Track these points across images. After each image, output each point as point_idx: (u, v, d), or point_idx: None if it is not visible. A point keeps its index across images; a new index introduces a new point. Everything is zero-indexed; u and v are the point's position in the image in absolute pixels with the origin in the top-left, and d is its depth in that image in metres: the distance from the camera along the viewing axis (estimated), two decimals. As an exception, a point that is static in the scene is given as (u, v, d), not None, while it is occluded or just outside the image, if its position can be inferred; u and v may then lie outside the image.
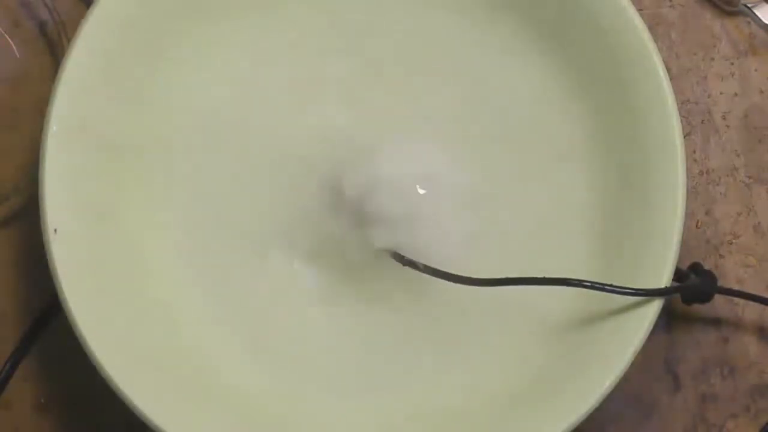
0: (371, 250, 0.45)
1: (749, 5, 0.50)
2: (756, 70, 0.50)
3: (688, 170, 0.45)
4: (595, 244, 0.45)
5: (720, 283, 0.48)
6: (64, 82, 0.42)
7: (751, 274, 0.49)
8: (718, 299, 0.48)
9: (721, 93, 0.50)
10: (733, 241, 0.49)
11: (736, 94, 0.50)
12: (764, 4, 0.50)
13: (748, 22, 0.50)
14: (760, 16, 0.50)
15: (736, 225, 0.50)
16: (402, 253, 0.44)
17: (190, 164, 0.46)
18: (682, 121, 0.44)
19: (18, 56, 0.49)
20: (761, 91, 0.50)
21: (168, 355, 0.43)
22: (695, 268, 0.47)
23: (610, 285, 0.42)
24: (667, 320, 0.49)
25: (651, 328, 0.42)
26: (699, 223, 0.50)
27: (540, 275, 0.42)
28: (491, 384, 0.44)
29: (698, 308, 0.48)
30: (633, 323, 0.43)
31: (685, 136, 0.45)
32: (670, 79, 0.44)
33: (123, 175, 0.44)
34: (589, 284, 0.42)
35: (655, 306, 0.42)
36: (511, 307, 0.45)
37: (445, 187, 0.45)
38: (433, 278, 0.44)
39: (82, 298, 0.41)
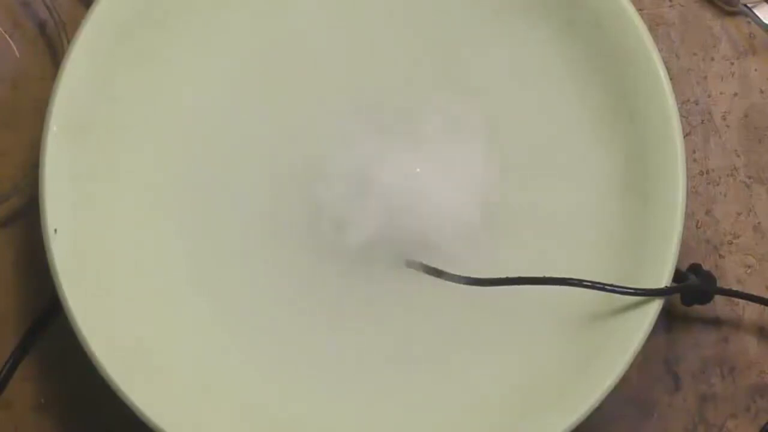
0: (374, 252, 0.45)
1: (749, 5, 0.50)
2: (756, 70, 0.50)
3: (688, 170, 0.45)
4: (595, 243, 0.45)
5: (720, 283, 0.48)
6: (64, 82, 0.42)
7: (751, 274, 0.49)
8: (718, 299, 0.48)
9: (721, 93, 0.50)
10: (733, 241, 0.49)
11: (736, 94, 0.50)
12: (764, 4, 0.50)
13: (748, 22, 0.50)
14: (760, 16, 0.50)
15: (736, 225, 0.50)
16: (402, 253, 0.44)
17: (191, 164, 0.46)
18: (682, 121, 0.44)
19: (18, 56, 0.49)
20: (761, 91, 0.50)
21: (168, 356, 0.43)
22: (695, 269, 0.47)
23: (610, 285, 0.42)
24: (667, 320, 0.49)
25: (651, 328, 0.42)
26: (699, 223, 0.50)
27: (540, 275, 0.43)
28: (491, 385, 0.44)
29: (698, 308, 0.48)
30: (633, 323, 0.43)
31: (685, 136, 0.45)
32: (670, 79, 0.44)
33: (122, 175, 0.44)
34: (589, 284, 0.42)
35: (655, 306, 0.42)
36: (510, 307, 0.45)
37: (450, 192, 0.45)
38: (434, 279, 0.44)
39: (82, 298, 0.41)
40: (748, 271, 0.49)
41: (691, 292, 0.46)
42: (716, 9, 0.51)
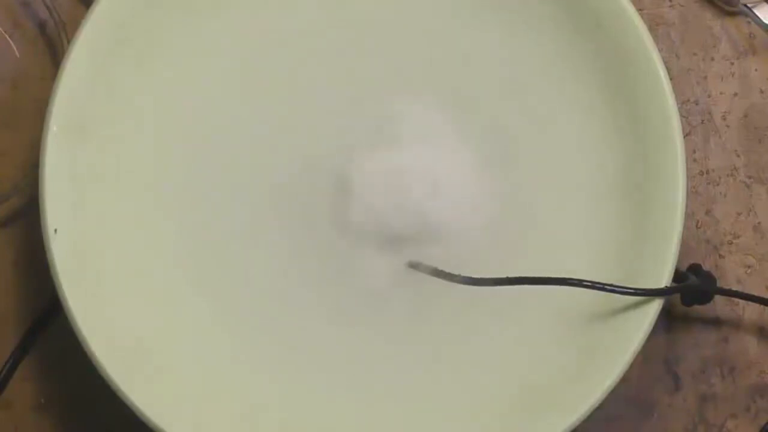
0: (374, 252, 0.45)
1: (749, 5, 0.50)
2: (756, 70, 0.50)
3: (688, 170, 0.45)
4: (595, 244, 0.45)
5: (720, 283, 0.48)
6: (64, 82, 0.42)
7: (751, 274, 0.49)
8: (718, 299, 0.48)
9: (721, 93, 0.50)
10: (733, 241, 0.49)
11: (736, 94, 0.50)
12: (764, 4, 0.50)
13: (748, 22, 0.50)
14: (760, 16, 0.50)
15: (736, 225, 0.50)
16: (403, 254, 0.44)
17: (191, 164, 0.46)
18: (682, 121, 0.44)
19: (18, 56, 0.49)
20: (761, 91, 0.50)
21: (168, 356, 0.43)
22: (695, 269, 0.47)
23: (610, 285, 0.42)
24: (667, 320, 0.49)
25: (651, 328, 0.42)
26: (699, 223, 0.50)
27: (540, 275, 0.43)
28: (492, 385, 0.44)
29: (698, 308, 0.48)
30: (633, 323, 0.43)
31: (685, 136, 0.45)
32: (670, 79, 0.44)
33: (122, 175, 0.44)
34: (589, 284, 0.42)
35: (655, 306, 0.42)
36: (510, 308, 0.45)
37: (449, 192, 0.45)
38: (434, 279, 0.44)
39: (82, 298, 0.41)
40: (748, 271, 0.49)
41: (691, 292, 0.46)
42: (716, 9, 0.51)
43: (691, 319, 0.49)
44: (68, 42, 0.46)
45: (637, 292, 0.42)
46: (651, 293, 0.42)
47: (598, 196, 0.46)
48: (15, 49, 0.49)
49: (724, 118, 0.50)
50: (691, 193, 0.49)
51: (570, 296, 0.43)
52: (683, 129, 0.44)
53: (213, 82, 0.46)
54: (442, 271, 0.44)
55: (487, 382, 0.44)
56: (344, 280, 0.45)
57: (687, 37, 0.50)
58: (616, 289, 0.42)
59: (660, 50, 0.44)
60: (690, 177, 0.49)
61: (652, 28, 0.49)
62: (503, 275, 0.43)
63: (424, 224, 0.45)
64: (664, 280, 0.43)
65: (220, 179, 0.46)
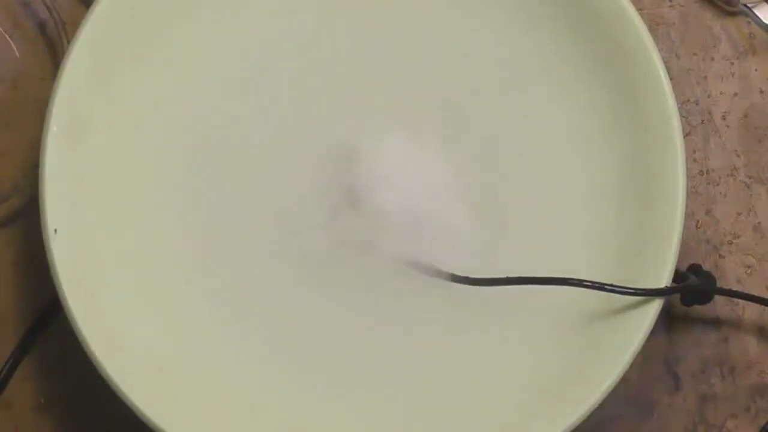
0: (374, 252, 0.45)
1: (749, 5, 0.50)
2: (756, 70, 0.50)
3: (688, 170, 0.45)
4: (595, 244, 0.45)
5: (720, 283, 0.48)
6: (64, 82, 0.42)
7: (751, 274, 0.49)
8: (718, 299, 0.48)
9: (721, 93, 0.50)
10: (733, 241, 0.49)
11: (736, 94, 0.50)
12: (764, 4, 0.50)
13: (748, 22, 0.50)
14: (760, 16, 0.50)
15: (736, 225, 0.50)
16: (403, 254, 0.44)
17: (191, 164, 0.46)
18: (682, 121, 0.44)
19: (18, 56, 0.49)
20: (761, 91, 0.50)
21: (168, 356, 0.43)
22: (695, 269, 0.47)
23: (610, 285, 0.42)
24: (667, 320, 0.49)
25: (651, 328, 0.42)
26: (699, 223, 0.50)
27: (540, 275, 0.43)
28: (492, 386, 0.44)
29: (698, 308, 0.48)
30: (633, 323, 0.43)
31: (685, 136, 0.45)
32: (670, 79, 0.44)
33: (123, 175, 0.44)
34: (589, 284, 0.42)
35: (655, 306, 0.42)
36: (510, 308, 0.45)
37: (450, 192, 0.45)
38: (435, 280, 0.44)
39: (82, 298, 0.41)
40: (748, 271, 0.49)
41: (691, 292, 0.46)
42: (716, 9, 0.51)
43: (691, 319, 0.49)
44: (68, 42, 0.46)
45: (637, 292, 0.42)
46: (651, 293, 0.42)
47: (598, 196, 0.46)
48: (15, 49, 0.49)
49: (724, 118, 0.50)
50: (691, 193, 0.49)
51: (570, 296, 0.43)
52: (683, 129, 0.44)
53: (213, 82, 0.46)
54: (442, 271, 0.44)
55: (488, 382, 0.44)
56: (344, 280, 0.45)
57: (687, 37, 0.50)
58: (616, 289, 0.42)
59: (660, 50, 0.44)
60: (690, 177, 0.49)
61: (652, 28, 0.49)
62: (503, 275, 0.43)
63: (424, 225, 0.45)
64: (664, 280, 0.43)
65: (220, 179, 0.46)
